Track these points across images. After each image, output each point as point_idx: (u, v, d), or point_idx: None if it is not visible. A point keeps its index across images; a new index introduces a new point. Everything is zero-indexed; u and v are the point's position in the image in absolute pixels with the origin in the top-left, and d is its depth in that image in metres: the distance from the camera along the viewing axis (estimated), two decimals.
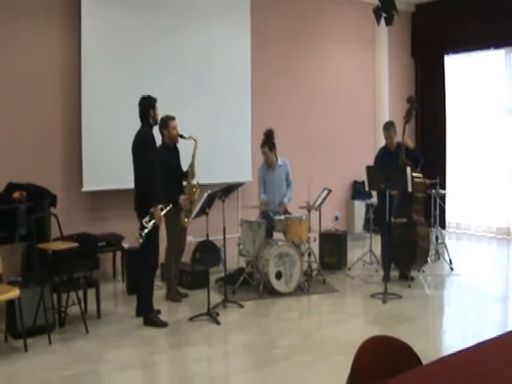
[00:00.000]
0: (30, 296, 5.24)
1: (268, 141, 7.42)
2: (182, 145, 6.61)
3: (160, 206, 5.72)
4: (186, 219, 6.37)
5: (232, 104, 8.71)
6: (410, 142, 7.42)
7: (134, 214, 5.80)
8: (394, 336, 2.12)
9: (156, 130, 6.01)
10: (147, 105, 5.83)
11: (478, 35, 10.25)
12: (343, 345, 5.09)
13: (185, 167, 6.60)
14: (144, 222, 5.58)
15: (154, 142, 5.81)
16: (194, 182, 6.49)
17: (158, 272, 6.91)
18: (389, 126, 7.38)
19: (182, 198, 6.37)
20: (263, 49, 9.12)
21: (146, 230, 5.55)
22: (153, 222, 5.60)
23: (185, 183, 6.51)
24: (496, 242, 10.26)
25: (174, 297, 6.62)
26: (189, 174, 6.49)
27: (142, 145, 5.74)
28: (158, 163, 5.81)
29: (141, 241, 5.60)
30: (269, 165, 7.51)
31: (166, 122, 6.45)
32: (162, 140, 6.51)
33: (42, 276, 5.48)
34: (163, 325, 5.70)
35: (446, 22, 10.73)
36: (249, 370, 4.77)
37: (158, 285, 6.77)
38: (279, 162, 7.55)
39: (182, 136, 6.46)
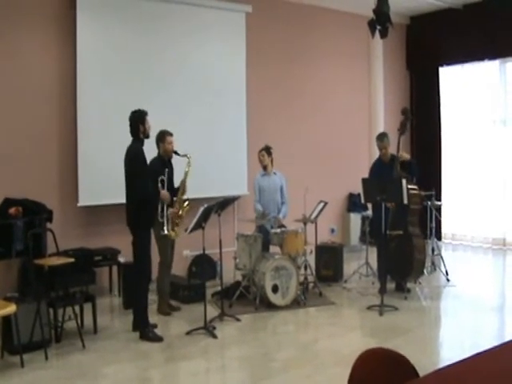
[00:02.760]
0: (26, 311, 5.22)
1: (266, 148, 7.57)
2: (177, 161, 6.65)
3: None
4: (172, 232, 6.39)
5: (228, 117, 8.74)
6: (406, 155, 7.44)
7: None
8: (390, 348, 2.12)
9: (147, 144, 6.01)
10: (136, 119, 5.82)
11: (472, 47, 10.33)
12: (340, 357, 5.08)
13: (177, 183, 6.64)
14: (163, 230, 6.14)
15: (144, 157, 5.83)
16: (185, 197, 6.53)
17: (155, 286, 6.89)
18: (382, 137, 7.39)
19: (170, 211, 6.39)
20: (258, 63, 9.16)
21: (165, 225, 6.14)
22: (168, 210, 6.16)
23: (175, 198, 6.52)
24: (492, 252, 10.28)
25: (163, 310, 6.62)
26: (179, 190, 6.54)
27: (132, 161, 5.77)
28: (149, 177, 5.88)
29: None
30: (264, 168, 7.59)
31: (163, 136, 6.55)
32: (158, 152, 6.57)
33: (38, 291, 5.46)
34: (159, 339, 5.68)
35: (440, 33, 10.82)
36: None
37: (153, 299, 6.76)
38: (274, 171, 7.63)
39: (176, 152, 6.53)
